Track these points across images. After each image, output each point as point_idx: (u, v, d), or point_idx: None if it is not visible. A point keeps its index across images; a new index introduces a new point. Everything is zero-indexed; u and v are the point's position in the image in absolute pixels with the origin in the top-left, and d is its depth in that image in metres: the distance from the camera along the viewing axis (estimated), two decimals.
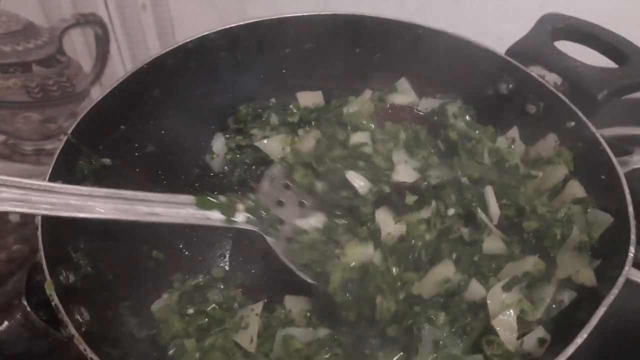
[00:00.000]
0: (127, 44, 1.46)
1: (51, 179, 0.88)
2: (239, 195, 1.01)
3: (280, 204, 1.05)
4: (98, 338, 0.76)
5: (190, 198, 0.94)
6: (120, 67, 1.50)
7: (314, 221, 1.03)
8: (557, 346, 0.75)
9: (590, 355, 0.97)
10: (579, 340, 0.71)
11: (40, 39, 1.44)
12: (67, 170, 0.92)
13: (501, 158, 1.02)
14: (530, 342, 0.81)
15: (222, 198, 0.98)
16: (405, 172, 1.01)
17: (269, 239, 0.98)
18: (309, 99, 1.19)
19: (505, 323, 0.82)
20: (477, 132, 1.06)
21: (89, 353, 0.71)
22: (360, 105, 1.11)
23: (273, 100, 1.19)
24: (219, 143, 1.18)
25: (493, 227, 0.92)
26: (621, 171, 0.86)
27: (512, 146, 1.05)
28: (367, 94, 1.15)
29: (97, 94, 1.48)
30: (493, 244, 0.91)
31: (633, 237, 0.78)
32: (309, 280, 0.94)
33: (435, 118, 1.09)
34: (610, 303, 0.75)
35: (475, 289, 0.86)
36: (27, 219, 1.46)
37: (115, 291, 0.90)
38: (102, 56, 1.48)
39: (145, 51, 1.46)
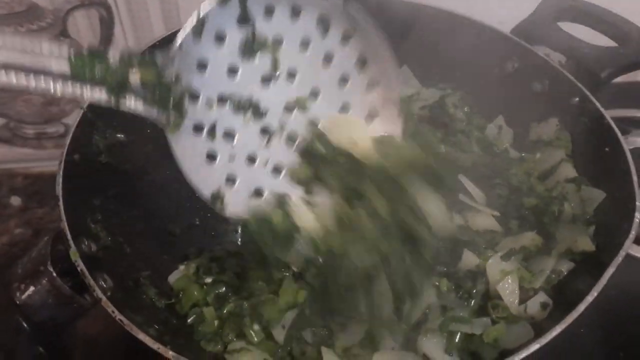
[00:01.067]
0: (132, 27, 1.46)
1: (69, 152, 0.90)
2: (138, 56, 0.70)
3: (201, 68, 0.76)
4: (122, 304, 0.77)
5: (63, 50, 0.67)
6: None
7: (227, 122, 0.80)
8: (559, 311, 0.80)
9: (591, 327, 1.02)
10: (590, 298, 0.74)
11: (44, 21, 1.44)
12: (83, 144, 0.93)
13: (489, 144, 1.09)
14: (534, 306, 0.86)
15: (114, 57, 0.68)
16: None
17: (168, 135, 0.76)
18: None
19: (507, 288, 0.87)
20: (466, 123, 1.13)
21: (117, 315, 0.72)
22: None
23: None
24: None
25: (480, 206, 0.99)
26: (624, 142, 0.90)
27: (500, 133, 1.11)
28: None
29: None
30: (484, 221, 0.98)
31: (638, 203, 0.83)
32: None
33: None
34: (615, 277, 0.78)
35: (469, 258, 0.92)
36: (28, 203, 1.47)
37: (134, 262, 0.92)
38: (106, 39, 1.48)
39: (149, 34, 1.46)
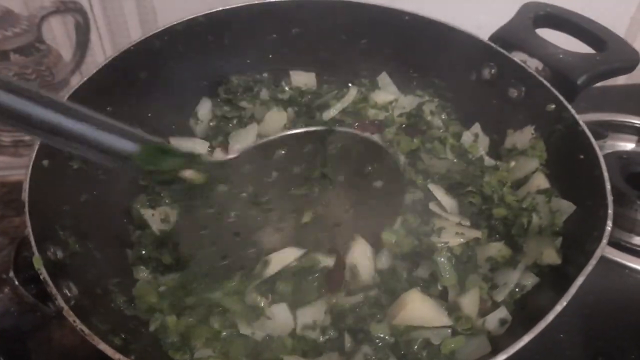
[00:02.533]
0: (108, 32, 1.45)
1: (38, 158, 0.88)
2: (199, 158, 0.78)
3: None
4: (88, 312, 0.76)
5: (135, 135, 0.69)
6: (101, 56, 1.48)
7: None
8: (518, 328, 0.79)
9: (570, 332, 1.02)
10: (559, 307, 0.73)
11: (19, 27, 1.42)
12: (54, 150, 0.91)
13: (465, 151, 1.09)
14: (492, 321, 0.85)
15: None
16: None
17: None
18: (302, 79, 1.20)
19: (470, 302, 0.87)
20: (443, 130, 1.13)
21: (79, 324, 0.70)
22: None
23: (265, 74, 1.19)
24: (205, 108, 1.17)
25: (448, 215, 0.97)
26: (598, 149, 0.89)
27: (476, 140, 1.11)
28: (353, 91, 1.18)
29: (76, 83, 1.46)
30: (450, 230, 0.95)
31: (610, 211, 0.82)
32: None
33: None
34: (592, 282, 0.77)
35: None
36: (5, 211, 1.44)
37: (103, 269, 0.90)
38: (82, 44, 1.47)
39: (126, 39, 1.44)
